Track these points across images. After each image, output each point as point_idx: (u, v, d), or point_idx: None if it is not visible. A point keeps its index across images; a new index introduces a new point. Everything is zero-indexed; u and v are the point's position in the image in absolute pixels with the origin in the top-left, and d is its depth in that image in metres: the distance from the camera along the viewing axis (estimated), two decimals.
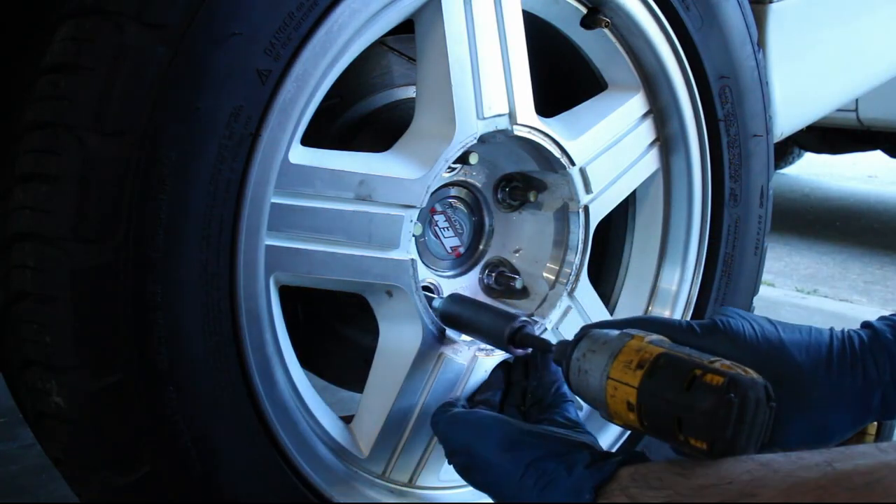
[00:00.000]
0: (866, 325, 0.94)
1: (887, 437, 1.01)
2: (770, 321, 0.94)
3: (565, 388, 1.11)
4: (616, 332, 0.92)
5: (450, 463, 1.03)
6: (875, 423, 0.98)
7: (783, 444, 0.86)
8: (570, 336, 1.27)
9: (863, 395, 0.89)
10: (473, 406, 1.14)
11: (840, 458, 0.72)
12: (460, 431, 1.02)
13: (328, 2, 0.98)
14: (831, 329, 0.94)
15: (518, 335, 1.09)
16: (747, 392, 0.78)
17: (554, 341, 1.06)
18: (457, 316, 1.16)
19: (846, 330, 0.93)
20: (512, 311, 1.19)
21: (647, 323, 0.96)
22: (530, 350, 1.11)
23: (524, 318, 1.10)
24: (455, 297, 1.18)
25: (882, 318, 0.93)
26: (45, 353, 0.89)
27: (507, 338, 1.09)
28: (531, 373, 1.14)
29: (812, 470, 0.72)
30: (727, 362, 0.82)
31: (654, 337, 0.90)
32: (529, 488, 0.90)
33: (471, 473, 0.99)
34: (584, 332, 0.96)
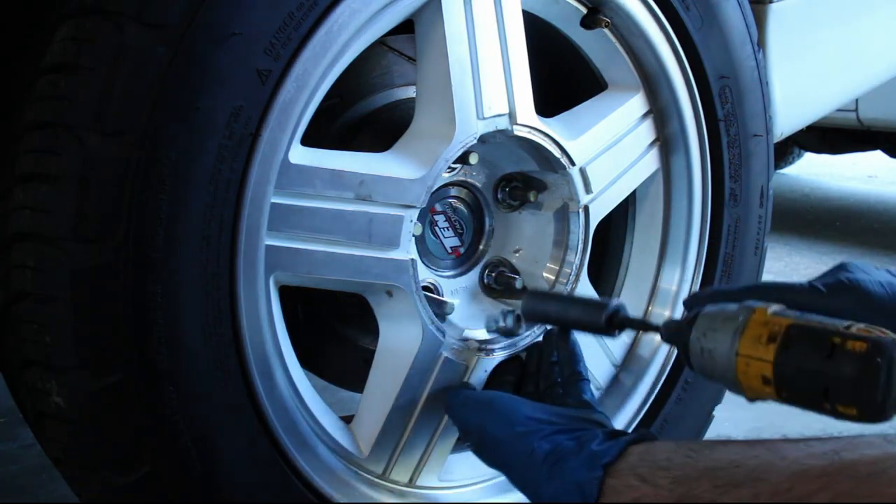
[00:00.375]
0: None
1: None
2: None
3: (581, 368, 1.11)
4: (734, 307, 0.88)
5: (464, 443, 1.04)
6: None
7: None
8: None
9: None
10: None
11: (847, 447, 0.74)
12: (472, 411, 1.03)
13: (328, 2, 0.98)
14: None
15: (617, 318, 1.06)
16: (893, 354, 0.78)
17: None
18: (543, 311, 1.14)
19: None
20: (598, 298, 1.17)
21: (765, 290, 0.92)
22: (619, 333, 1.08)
23: (617, 301, 1.08)
24: (536, 294, 1.18)
25: None
26: (45, 353, 0.89)
27: (606, 322, 1.06)
28: (544, 358, 1.13)
29: (818, 458, 0.73)
30: (862, 325, 0.81)
31: (776, 307, 0.86)
32: (539, 464, 0.90)
33: (484, 452, 1.01)
34: (698, 309, 0.92)
